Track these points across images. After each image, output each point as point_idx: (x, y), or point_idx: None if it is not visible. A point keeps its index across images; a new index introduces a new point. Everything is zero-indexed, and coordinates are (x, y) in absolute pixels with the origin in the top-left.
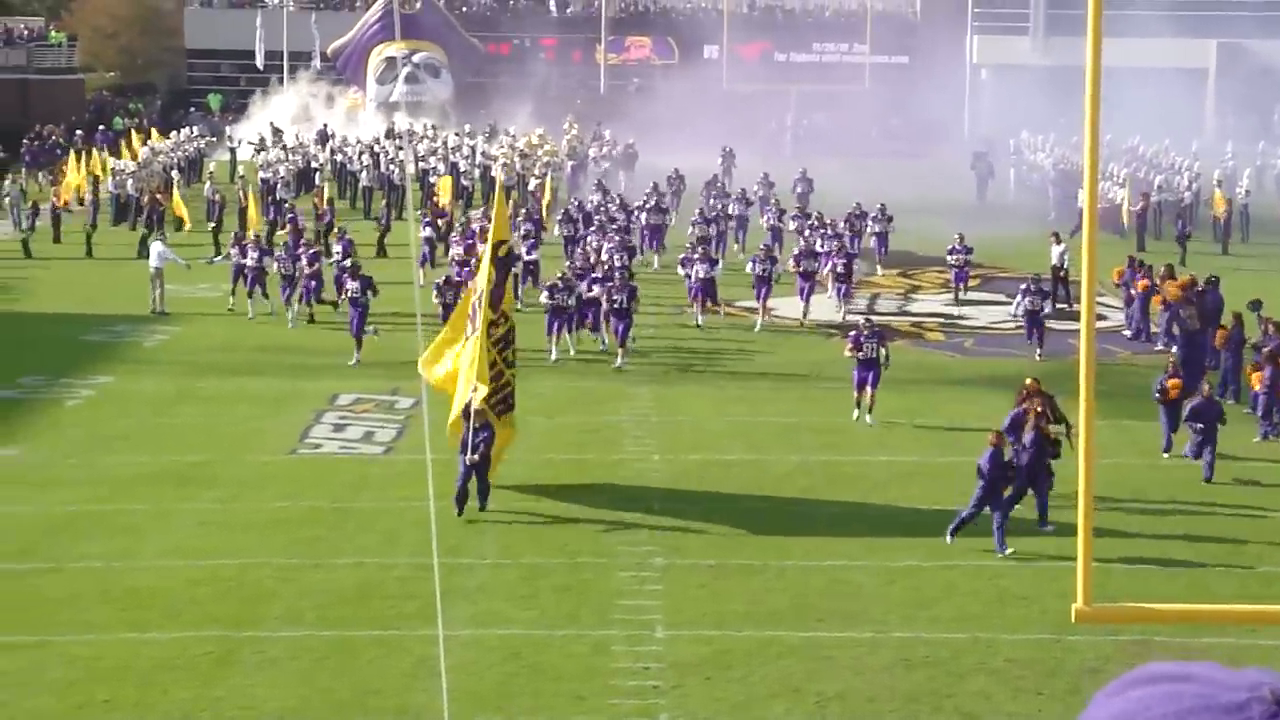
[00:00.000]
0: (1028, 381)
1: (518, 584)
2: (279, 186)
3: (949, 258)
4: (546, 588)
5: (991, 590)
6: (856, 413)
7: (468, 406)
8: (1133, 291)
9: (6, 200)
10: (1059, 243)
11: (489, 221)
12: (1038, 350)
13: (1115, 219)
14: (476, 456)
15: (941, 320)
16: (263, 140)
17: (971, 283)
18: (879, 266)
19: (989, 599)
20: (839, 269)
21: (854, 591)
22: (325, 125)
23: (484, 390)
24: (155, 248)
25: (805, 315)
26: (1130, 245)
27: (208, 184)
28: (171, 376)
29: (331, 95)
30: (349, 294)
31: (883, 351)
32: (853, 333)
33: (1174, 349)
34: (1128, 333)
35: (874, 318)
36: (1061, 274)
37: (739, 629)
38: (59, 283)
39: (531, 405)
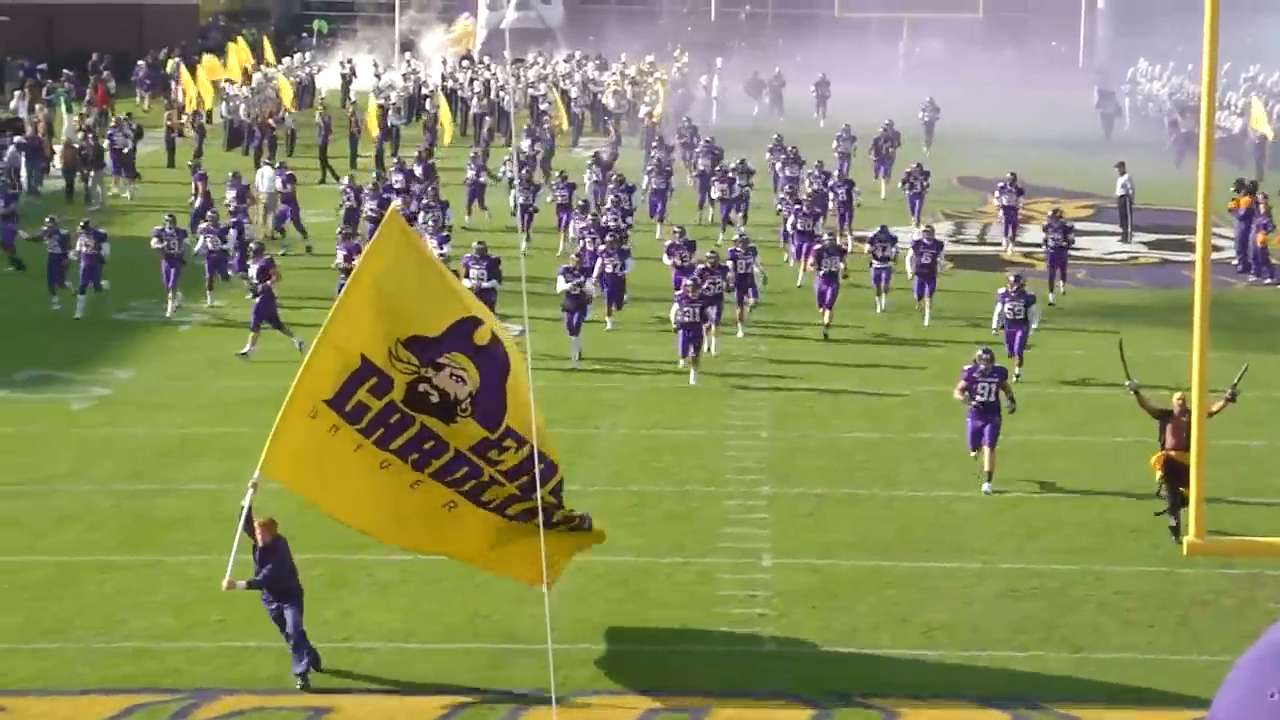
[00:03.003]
0: (1176, 398)
1: (625, 511)
2: (391, 112)
3: (996, 197)
4: (654, 515)
5: (1100, 522)
6: (988, 486)
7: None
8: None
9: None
10: (1123, 172)
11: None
12: (1016, 368)
13: (1233, 148)
14: None
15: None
16: (376, 65)
17: (1083, 213)
18: (1009, 245)
19: (1098, 530)
20: (923, 262)
21: (961, 522)
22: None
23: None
24: (265, 173)
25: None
26: (1250, 172)
27: (319, 110)
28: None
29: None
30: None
31: (1003, 395)
32: (966, 368)
33: None
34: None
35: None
36: (1127, 203)
37: (845, 558)
38: (171, 207)
39: (637, 336)
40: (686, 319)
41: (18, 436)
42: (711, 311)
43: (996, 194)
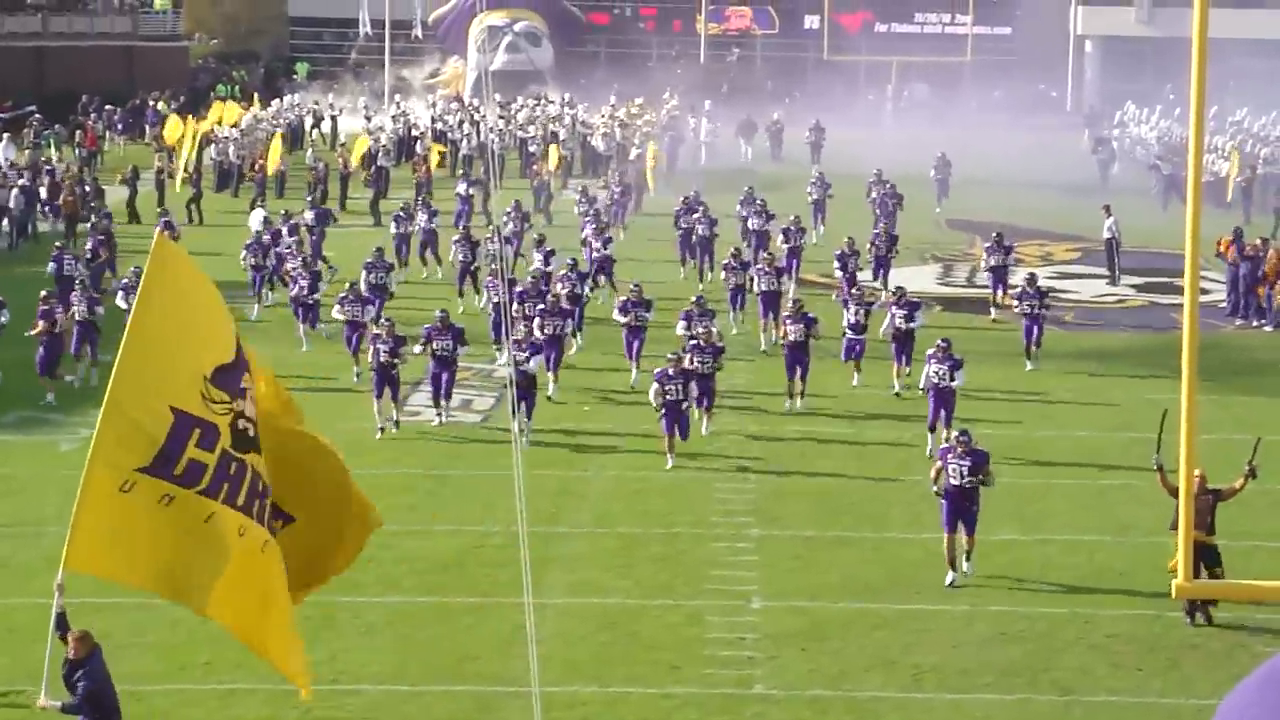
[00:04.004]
0: (1197, 473)
1: (614, 553)
2: (380, 154)
3: (984, 260)
4: (642, 557)
5: (1089, 565)
6: (951, 576)
7: None
8: (1235, 263)
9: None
10: (1109, 215)
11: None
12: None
13: (1219, 191)
14: None
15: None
16: (366, 108)
17: (1071, 255)
18: (994, 309)
19: (1086, 573)
20: (898, 323)
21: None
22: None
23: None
24: (256, 215)
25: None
26: (1235, 218)
27: (309, 151)
28: (272, 343)
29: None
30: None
31: (981, 475)
32: (942, 448)
33: None
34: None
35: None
36: (1113, 245)
37: (834, 601)
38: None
39: (627, 379)
40: (670, 398)
41: (6, 478)
42: (694, 388)
43: (985, 257)
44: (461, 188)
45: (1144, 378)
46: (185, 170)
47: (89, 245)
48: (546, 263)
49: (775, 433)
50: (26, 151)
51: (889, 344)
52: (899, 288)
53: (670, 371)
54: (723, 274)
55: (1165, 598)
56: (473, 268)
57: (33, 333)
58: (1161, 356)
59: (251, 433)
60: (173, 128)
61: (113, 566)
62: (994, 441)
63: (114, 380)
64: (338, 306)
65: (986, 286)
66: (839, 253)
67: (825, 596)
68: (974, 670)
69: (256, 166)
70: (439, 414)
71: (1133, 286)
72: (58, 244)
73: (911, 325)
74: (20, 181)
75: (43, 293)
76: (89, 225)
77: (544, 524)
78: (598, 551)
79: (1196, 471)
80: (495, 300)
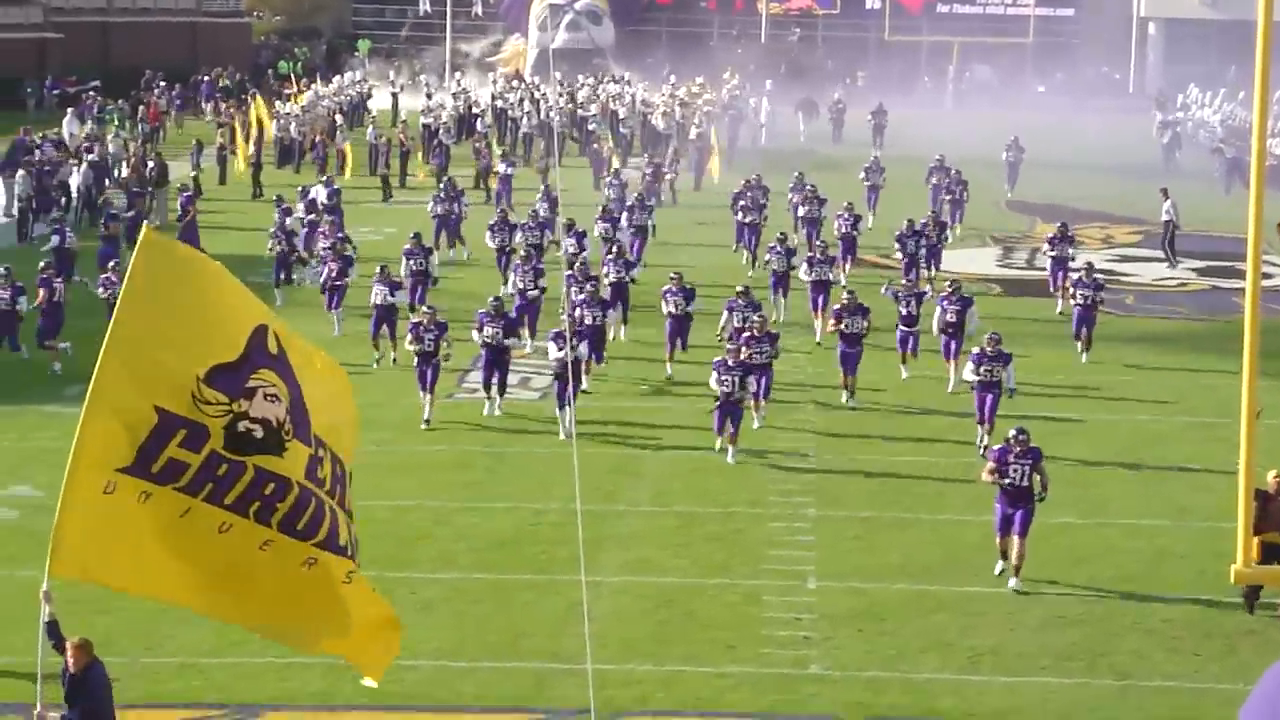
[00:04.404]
0: (1272, 477)
1: (671, 532)
2: (441, 132)
3: (1045, 251)
4: (699, 536)
5: (1149, 549)
6: (1001, 566)
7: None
8: None
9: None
10: (1167, 198)
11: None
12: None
13: None
14: None
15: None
16: (428, 85)
17: (1132, 239)
18: (1060, 299)
19: (1145, 558)
20: (948, 320)
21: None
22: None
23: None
24: (316, 190)
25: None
26: None
27: (370, 128)
28: (330, 319)
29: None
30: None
31: (1037, 478)
32: (996, 449)
33: None
34: None
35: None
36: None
37: (891, 582)
38: (225, 223)
39: (689, 355)
40: (726, 389)
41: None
42: (752, 382)
43: (1047, 248)
44: (502, 168)
45: (1204, 362)
46: (248, 150)
47: (103, 222)
48: (579, 246)
49: (831, 417)
50: (88, 126)
51: (938, 338)
52: (953, 280)
53: (729, 362)
54: (766, 259)
55: (1224, 583)
56: (509, 251)
57: (35, 304)
58: (1222, 341)
59: (260, 434)
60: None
61: (99, 570)
62: (1052, 425)
63: (95, 381)
64: (375, 291)
65: (1045, 270)
66: (899, 234)
67: (882, 578)
68: (1031, 653)
69: (317, 143)
70: (490, 401)
71: (1194, 270)
72: (55, 216)
73: (961, 320)
74: (90, 157)
75: (41, 264)
76: (102, 221)
77: (601, 502)
78: (654, 530)
79: (1273, 474)
80: (521, 287)
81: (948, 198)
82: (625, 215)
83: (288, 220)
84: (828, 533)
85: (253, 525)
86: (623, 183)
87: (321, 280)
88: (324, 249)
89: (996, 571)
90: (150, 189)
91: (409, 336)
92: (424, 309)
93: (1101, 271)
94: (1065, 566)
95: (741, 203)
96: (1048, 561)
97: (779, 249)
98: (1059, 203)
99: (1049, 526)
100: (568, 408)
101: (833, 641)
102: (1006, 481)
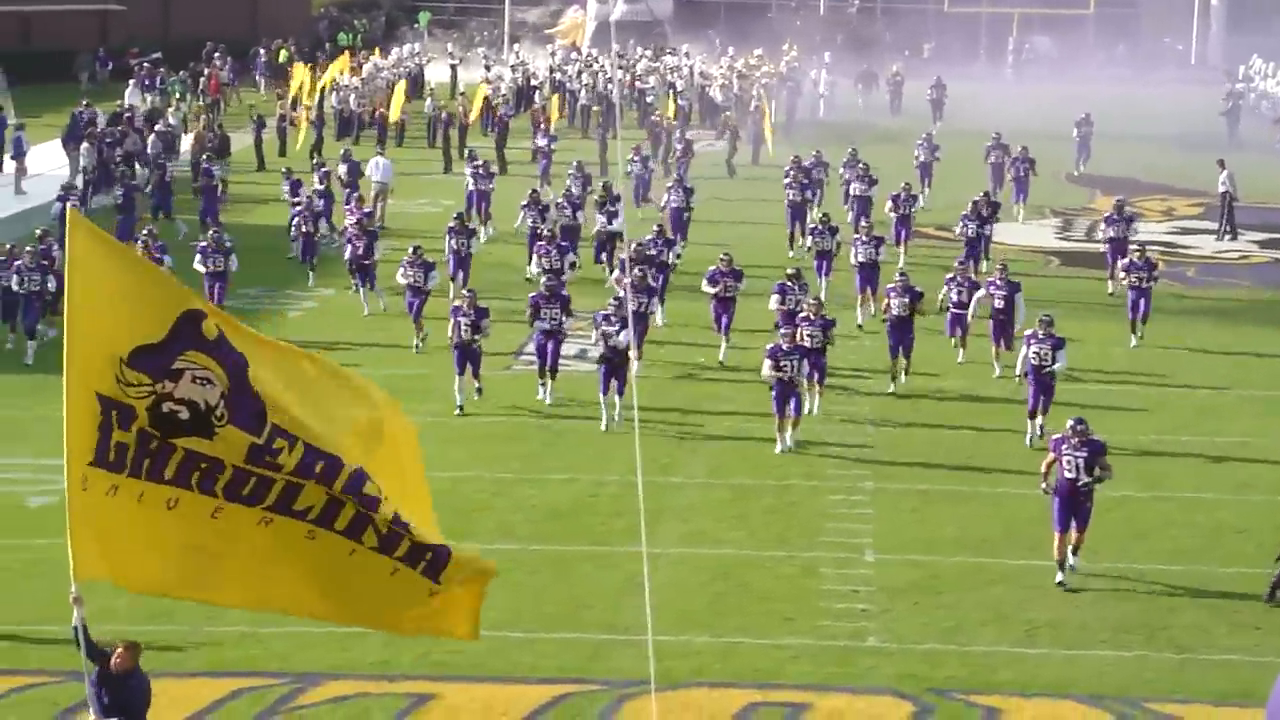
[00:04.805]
0: None
1: (727, 504)
2: (499, 104)
3: (1103, 230)
4: (756, 509)
5: (1208, 523)
6: (1060, 576)
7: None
8: None
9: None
10: (1224, 169)
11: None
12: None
13: None
14: None
15: (1163, 248)
16: (486, 58)
17: (1193, 211)
18: (1110, 282)
19: (1204, 531)
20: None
21: None
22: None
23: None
24: (379, 162)
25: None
26: None
27: (428, 100)
28: (391, 291)
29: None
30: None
31: (1096, 470)
32: (1054, 439)
33: None
34: None
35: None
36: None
37: (949, 555)
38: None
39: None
40: (782, 375)
41: None
42: (806, 366)
43: (1104, 227)
44: (542, 142)
45: (1265, 334)
46: (307, 117)
47: (119, 192)
48: (610, 223)
49: (885, 397)
50: (149, 98)
51: (987, 322)
52: (1002, 263)
53: (785, 346)
54: (808, 239)
55: None
56: (540, 232)
57: None
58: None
59: (185, 415)
60: (297, 76)
61: (114, 570)
62: (1111, 396)
63: (65, 374)
64: (401, 270)
65: (1103, 245)
66: (964, 214)
67: (940, 550)
68: (1089, 626)
69: (377, 115)
70: (543, 386)
71: (1255, 243)
72: (62, 185)
73: (1010, 306)
74: (157, 127)
75: (38, 230)
76: (118, 188)
77: (658, 474)
78: (711, 502)
79: None
80: (547, 267)
81: (1010, 175)
82: (665, 194)
83: (311, 199)
84: (885, 505)
85: (196, 495)
86: (645, 157)
87: (347, 259)
88: (350, 226)
89: (1057, 580)
90: (161, 159)
91: (449, 326)
92: (465, 292)
93: (1161, 244)
94: (1124, 540)
95: (786, 180)
96: (1107, 536)
97: (821, 229)
98: (1119, 174)
99: (1108, 500)
100: (616, 396)
101: (890, 614)
102: (1065, 475)
